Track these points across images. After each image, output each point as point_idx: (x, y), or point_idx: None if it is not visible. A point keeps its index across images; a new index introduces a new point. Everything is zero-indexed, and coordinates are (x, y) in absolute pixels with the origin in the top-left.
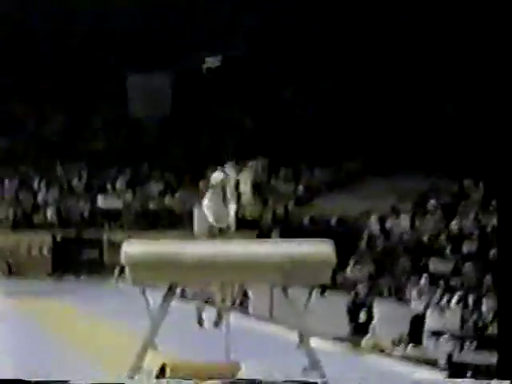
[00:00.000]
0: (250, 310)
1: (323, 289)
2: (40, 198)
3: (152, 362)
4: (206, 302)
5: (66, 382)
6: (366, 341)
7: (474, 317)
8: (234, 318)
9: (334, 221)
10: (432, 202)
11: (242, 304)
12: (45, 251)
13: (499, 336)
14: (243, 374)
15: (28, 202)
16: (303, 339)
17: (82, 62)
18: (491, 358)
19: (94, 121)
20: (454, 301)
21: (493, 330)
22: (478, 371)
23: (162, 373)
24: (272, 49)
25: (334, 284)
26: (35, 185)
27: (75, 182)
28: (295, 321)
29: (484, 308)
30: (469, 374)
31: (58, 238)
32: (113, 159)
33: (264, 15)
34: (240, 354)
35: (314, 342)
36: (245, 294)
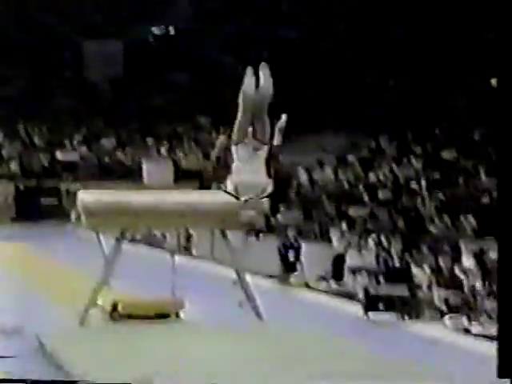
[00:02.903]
0: (194, 251)
1: (258, 232)
2: (4, 152)
3: (106, 298)
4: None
5: (69, 381)
6: (294, 277)
7: (386, 255)
8: (178, 259)
9: None
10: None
11: (186, 247)
12: (9, 199)
13: (499, 336)
14: (187, 309)
15: None
16: (240, 276)
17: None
18: (400, 290)
19: (53, 82)
20: (370, 241)
21: (401, 265)
22: (391, 302)
23: (114, 309)
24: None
25: (268, 228)
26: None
27: (36, 137)
28: (233, 260)
29: (394, 247)
30: (381, 305)
31: (21, 188)
32: (70, 117)
33: None
34: (184, 291)
35: (249, 279)
36: (188, 238)
